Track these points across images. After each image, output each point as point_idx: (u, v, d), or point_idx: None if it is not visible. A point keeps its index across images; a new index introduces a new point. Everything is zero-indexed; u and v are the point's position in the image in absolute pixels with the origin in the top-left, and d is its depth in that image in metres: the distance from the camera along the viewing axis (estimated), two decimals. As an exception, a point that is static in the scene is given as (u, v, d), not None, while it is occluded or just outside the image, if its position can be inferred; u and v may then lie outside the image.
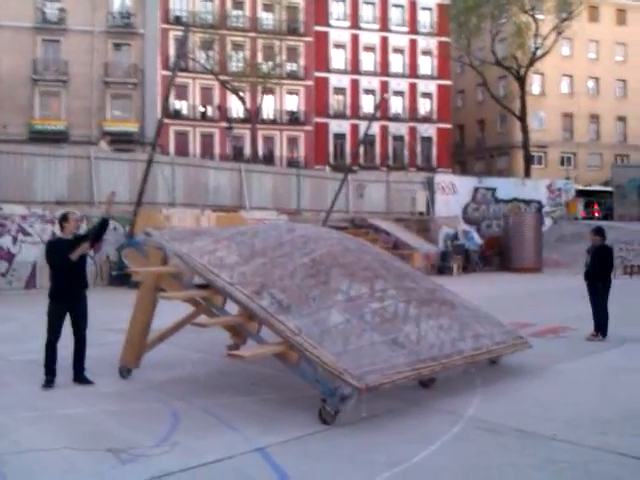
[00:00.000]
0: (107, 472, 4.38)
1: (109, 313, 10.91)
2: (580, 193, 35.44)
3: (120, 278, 18.55)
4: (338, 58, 46.60)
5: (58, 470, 4.43)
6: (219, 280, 6.32)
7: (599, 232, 10.10)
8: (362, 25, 47.01)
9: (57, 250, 6.74)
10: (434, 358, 6.22)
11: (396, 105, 47.34)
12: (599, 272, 9.80)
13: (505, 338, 7.62)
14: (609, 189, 37.61)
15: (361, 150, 43.71)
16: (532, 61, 39.45)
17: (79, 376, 6.83)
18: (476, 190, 29.67)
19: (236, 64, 41.33)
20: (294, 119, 45.08)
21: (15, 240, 18.39)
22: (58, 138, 37.12)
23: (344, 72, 46.50)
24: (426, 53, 48.22)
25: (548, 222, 30.56)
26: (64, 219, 6.89)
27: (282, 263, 6.86)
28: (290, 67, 44.61)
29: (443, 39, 47.13)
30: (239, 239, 7.45)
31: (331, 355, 5.50)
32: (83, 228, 19.23)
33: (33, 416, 5.75)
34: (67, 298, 6.73)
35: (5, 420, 5.63)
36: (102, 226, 7.00)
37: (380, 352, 5.91)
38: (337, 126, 45.91)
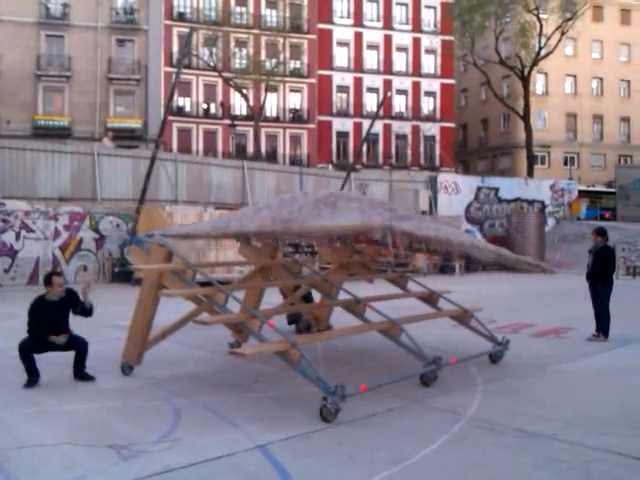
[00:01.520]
0: (108, 468, 4.39)
1: (111, 310, 10.93)
2: (583, 193, 35.39)
3: (122, 275, 18.62)
4: (341, 56, 46.54)
5: (59, 466, 4.44)
6: (230, 229, 6.32)
7: (601, 233, 10.09)
8: (365, 23, 46.94)
9: (43, 311, 6.68)
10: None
11: (399, 103, 47.28)
12: (601, 273, 9.79)
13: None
14: (612, 190, 37.55)
15: (364, 148, 43.66)
16: (536, 61, 39.39)
17: (80, 373, 6.85)
18: (479, 189, 29.67)
19: (239, 61, 41.32)
20: (297, 117, 45.05)
21: (18, 236, 18.45)
22: (61, 134, 37.17)
23: (347, 70, 46.44)
24: (429, 52, 48.13)
25: (551, 222, 30.54)
26: (48, 282, 6.79)
27: (288, 205, 6.87)
28: (293, 65, 44.57)
29: (447, 38, 47.03)
30: (239, 211, 7.54)
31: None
32: (85, 229, 19.41)
33: (34, 412, 5.77)
34: (45, 346, 6.68)
35: (6, 416, 5.65)
36: (87, 313, 6.96)
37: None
38: (340, 124, 45.87)
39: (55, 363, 6.96)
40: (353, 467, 4.49)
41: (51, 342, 6.63)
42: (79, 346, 6.83)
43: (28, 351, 6.59)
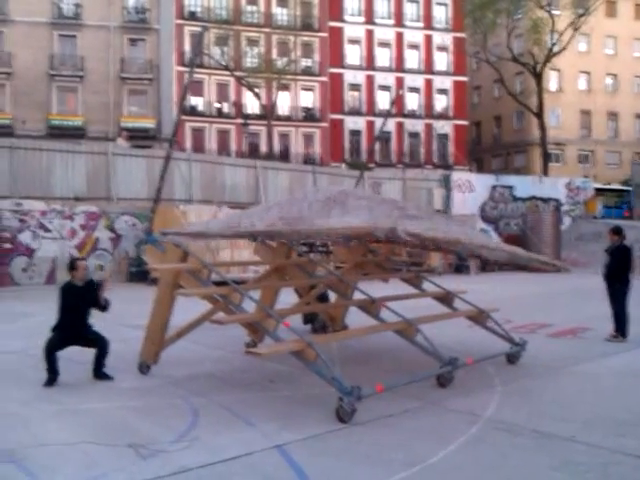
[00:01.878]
0: (127, 467, 4.43)
1: (128, 309, 11.00)
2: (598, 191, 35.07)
3: (139, 274, 18.73)
4: (353, 54, 46.49)
5: (79, 464, 4.49)
6: (241, 228, 6.38)
7: (618, 231, 10.00)
8: (377, 20, 46.87)
9: (70, 294, 6.88)
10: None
11: (412, 101, 47.17)
12: (618, 272, 9.71)
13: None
14: (628, 188, 37.17)
15: (377, 147, 43.61)
16: (549, 57, 39.11)
17: (99, 372, 6.92)
18: (493, 188, 29.49)
19: (251, 60, 41.41)
20: (309, 116, 45.08)
21: (35, 236, 18.62)
22: (76, 134, 37.47)
23: (359, 68, 46.39)
24: (442, 49, 47.98)
25: (567, 221, 30.32)
26: (73, 267, 7.00)
27: (298, 203, 6.90)
28: (305, 63, 44.60)
29: (459, 35, 46.86)
30: (250, 209, 7.58)
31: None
32: (101, 229, 19.58)
33: (54, 410, 5.83)
34: (71, 337, 6.83)
35: (26, 414, 5.72)
36: (103, 308, 7.10)
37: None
38: (352, 123, 45.84)
39: (75, 362, 7.02)
40: (370, 467, 4.49)
41: (76, 333, 6.77)
42: (101, 344, 6.90)
43: (54, 349, 6.69)
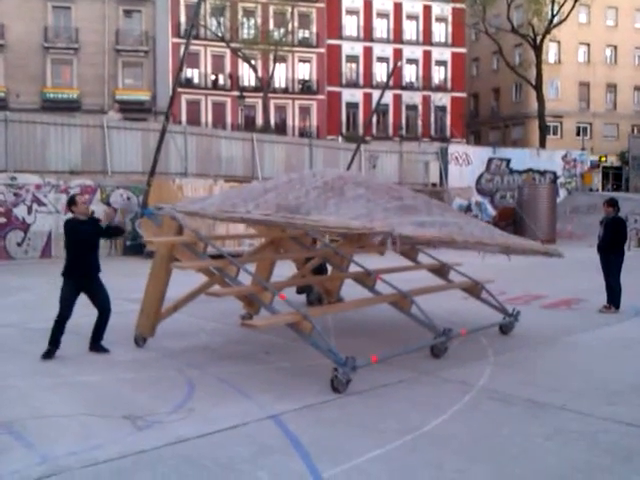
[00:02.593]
0: (124, 438, 4.48)
1: (124, 282, 11.02)
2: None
3: (134, 248, 18.73)
4: (351, 25, 45.91)
5: (77, 436, 4.53)
6: (236, 214, 6.37)
7: (612, 203, 10.02)
8: (375, -9, 46.19)
9: (76, 228, 6.79)
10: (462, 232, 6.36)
11: (410, 73, 46.75)
12: (612, 244, 9.76)
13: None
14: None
15: (374, 120, 43.31)
16: (548, 29, 38.60)
17: (96, 344, 6.95)
18: (490, 160, 29.42)
19: (247, 31, 40.87)
20: (306, 88, 44.67)
21: (30, 210, 18.56)
22: (71, 107, 37.13)
23: (357, 39, 45.85)
24: (440, 20, 47.39)
25: (563, 193, 30.31)
26: (72, 203, 6.90)
27: (295, 189, 6.88)
28: (302, 34, 44.04)
29: (458, 5, 46.22)
30: (247, 188, 7.53)
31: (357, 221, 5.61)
32: (96, 202, 19.52)
33: (51, 383, 5.87)
34: (81, 277, 6.79)
35: (24, 386, 5.76)
36: (117, 230, 7.19)
37: (407, 225, 5.96)
38: (350, 95, 45.46)
39: (71, 333, 7.05)
40: (364, 436, 4.55)
41: (88, 277, 6.77)
42: (105, 306, 6.89)
43: (67, 306, 6.67)
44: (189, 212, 6.98)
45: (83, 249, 6.79)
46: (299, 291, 10.26)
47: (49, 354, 6.67)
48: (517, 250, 7.94)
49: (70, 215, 7.01)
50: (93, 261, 6.89)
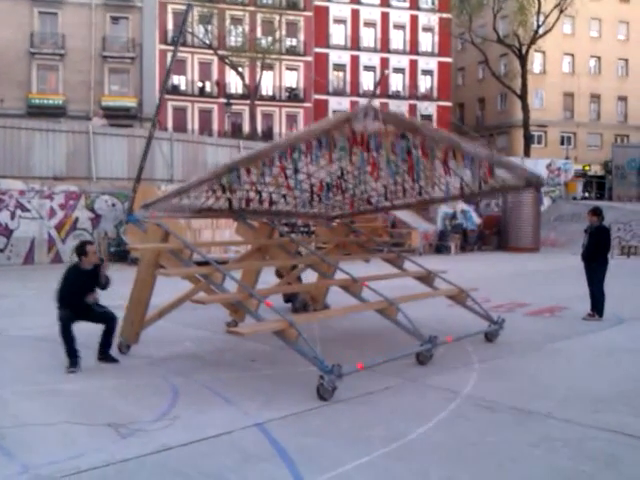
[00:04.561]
0: (107, 446, 4.41)
1: (108, 289, 10.89)
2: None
3: (118, 254, 18.58)
4: (338, 34, 46.11)
5: (58, 444, 4.46)
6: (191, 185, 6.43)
7: (597, 212, 10.10)
8: (362, 0, 46.43)
9: (78, 280, 6.62)
10: None
11: (396, 82, 47.00)
12: (596, 252, 9.82)
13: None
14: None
15: (360, 128, 43.32)
16: (534, 39, 39.08)
17: (105, 353, 6.80)
18: (475, 169, 29.49)
19: (235, 39, 40.89)
20: (293, 96, 44.74)
21: (13, 215, 18.37)
22: (56, 113, 36.86)
23: (344, 48, 46.04)
24: (427, 29, 47.73)
25: (547, 202, 30.55)
26: (83, 253, 6.67)
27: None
28: (290, 42, 44.15)
29: (444, 15, 46.57)
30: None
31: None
32: (81, 209, 19.37)
33: (32, 390, 5.78)
34: (77, 313, 6.62)
35: (4, 394, 5.67)
36: (104, 286, 6.97)
37: None
38: (337, 103, 45.57)
39: (52, 341, 6.95)
40: (350, 444, 4.52)
41: (83, 311, 6.59)
42: (108, 318, 6.76)
43: (69, 325, 6.47)
44: (153, 201, 6.93)
45: (79, 297, 6.61)
46: (286, 300, 10.23)
47: (74, 364, 6.42)
48: (502, 163, 7.42)
49: (75, 260, 6.81)
50: (87, 305, 6.70)
